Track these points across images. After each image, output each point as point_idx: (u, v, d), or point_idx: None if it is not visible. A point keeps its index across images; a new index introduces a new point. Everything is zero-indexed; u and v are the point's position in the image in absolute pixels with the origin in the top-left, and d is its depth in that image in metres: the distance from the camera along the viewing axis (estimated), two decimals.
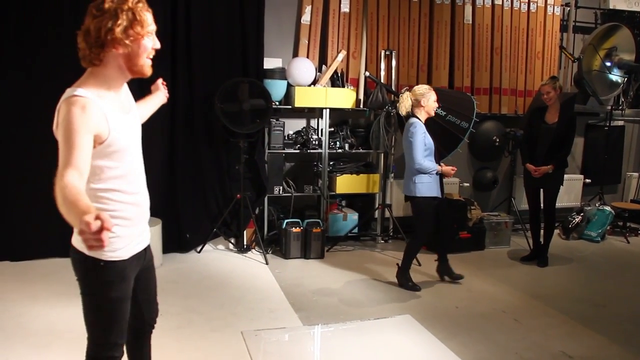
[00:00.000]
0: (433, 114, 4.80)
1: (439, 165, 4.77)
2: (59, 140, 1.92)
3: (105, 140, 2.00)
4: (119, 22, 1.92)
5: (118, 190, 2.11)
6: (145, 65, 2.07)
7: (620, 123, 7.78)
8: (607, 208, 6.91)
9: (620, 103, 7.59)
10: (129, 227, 2.18)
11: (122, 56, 2.00)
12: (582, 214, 6.90)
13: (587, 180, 7.46)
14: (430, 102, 4.71)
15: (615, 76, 6.99)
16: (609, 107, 7.33)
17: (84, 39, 1.97)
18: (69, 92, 1.96)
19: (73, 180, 1.84)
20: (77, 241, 2.12)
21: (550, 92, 5.38)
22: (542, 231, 5.77)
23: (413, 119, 4.72)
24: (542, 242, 5.78)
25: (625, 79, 7.10)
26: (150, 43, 2.06)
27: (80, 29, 1.99)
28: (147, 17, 2.01)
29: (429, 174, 4.69)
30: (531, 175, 5.53)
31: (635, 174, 7.97)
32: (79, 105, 1.90)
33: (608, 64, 6.92)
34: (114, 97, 2.08)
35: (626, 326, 4.29)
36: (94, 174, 2.02)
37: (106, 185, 2.07)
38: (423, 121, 4.72)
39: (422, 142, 4.64)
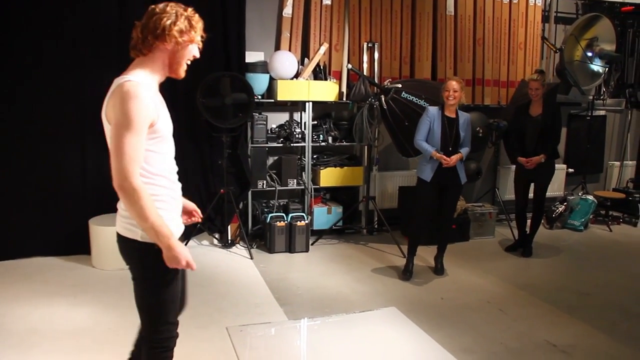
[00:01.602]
0: (447, 103, 4.88)
1: (440, 153, 4.83)
2: (114, 124, 2.05)
3: (154, 126, 2.15)
4: (178, 23, 2.14)
5: (162, 176, 2.24)
6: (183, 68, 2.28)
7: (602, 113, 7.83)
8: (590, 197, 6.96)
9: (602, 93, 7.64)
10: (172, 210, 2.31)
11: (169, 53, 2.19)
12: (565, 204, 6.94)
13: (570, 170, 7.51)
14: (444, 92, 4.87)
15: (597, 66, 7.02)
16: (591, 97, 7.37)
17: (141, 30, 2.15)
18: (121, 79, 2.09)
19: (142, 183, 2.06)
20: (127, 230, 2.21)
21: (538, 89, 5.39)
22: (528, 221, 5.80)
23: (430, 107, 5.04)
24: (527, 232, 5.81)
25: (606, 69, 7.14)
26: (194, 51, 2.27)
27: (136, 24, 2.18)
28: (199, 27, 2.24)
29: (425, 156, 4.92)
30: (524, 168, 5.54)
31: (617, 163, 8.04)
32: (136, 89, 2.03)
33: (589, 54, 6.95)
34: (155, 89, 2.23)
35: (609, 314, 4.32)
36: (144, 159, 2.14)
37: (154, 170, 2.19)
38: (445, 111, 4.90)
39: (425, 124, 4.89)
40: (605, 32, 6.96)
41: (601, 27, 6.92)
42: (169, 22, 2.13)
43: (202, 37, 2.26)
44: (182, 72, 2.28)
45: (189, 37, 2.20)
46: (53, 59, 5.02)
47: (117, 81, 2.10)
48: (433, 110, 4.92)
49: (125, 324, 3.86)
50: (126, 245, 2.25)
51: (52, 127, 5.09)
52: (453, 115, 4.90)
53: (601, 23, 6.90)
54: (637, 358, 3.61)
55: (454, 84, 4.81)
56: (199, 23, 2.23)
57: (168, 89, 5.32)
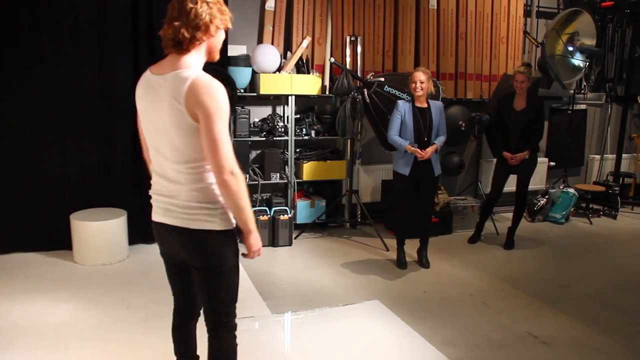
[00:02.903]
0: (415, 95, 4.90)
1: (414, 146, 4.84)
2: (206, 118, 2.06)
3: None
4: (214, 11, 2.17)
5: None
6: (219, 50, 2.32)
7: (583, 107, 7.90)
8: (571, 190, 7.03)
9: (583, 87, 7.70)
10: None
11: (211, 43, 2.24)
12: (547, 197, 7.00)
13: (552, 163, 7.57)
14: (410, 84, 4.89)
15: (578, 61, 7.08)
16: (572, 91, 7.43)
17: (184, 25, 2.14)
18: (187, 73, 2.09)
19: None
20: (203, 222, 2.23)
21: (524, 82, 5.42)
22: (512, 214, 5.87)
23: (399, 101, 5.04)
24: (510, 225, 5.86)
25: (587, 63, 7.20)
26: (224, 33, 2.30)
27: (169, 19, 2.18)
28: (227, 10, 2.25)
29: (399, 151, 4.93)
30: (506, 162, 5.56)
31: (597, 157, 8.12)
32: (214, 82, 2.09)
33: (570, 48, 7.00)
34: None
35: (590, 305, 4.37)
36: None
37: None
38: (416, 102, 4.91)
39: (396, 119, 4.89)
40: (586, 27, 7.01)
41: (582, 22, 6.97)
42: (208, 16, 2.16)
43: (230, 18, 2.29)
44: (218, 55, 2.32)
45: (225, 24, 2.25)
46: (32, 53, 4.94)
47: (184, 76, 2.09)
48: (403, 103, 4.93)
49: (107, 320, 3.84)
50: (201, 237, 2.24)
51: (32, 121, 5.01)
52: (424, 105, 4.92)
53: (582, 18, 6.95)
54: (616, 348, 3.65)
55: (420, 75, 4.83)
56: (226, 7, 2.27)
57: None
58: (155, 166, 2.32)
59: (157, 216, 2.36)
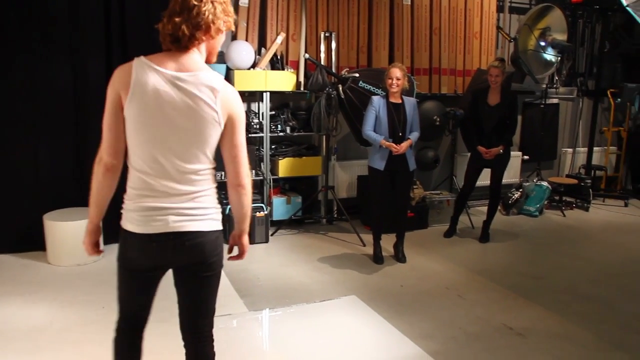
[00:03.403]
0: (390, 91, 4.92)
1: (389, 141, 4.86)
2: (239, 125, 2.14)
3: None
4: (217, 12, 2.07)
5: None
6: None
7: (555, 101, 8.00)
8: (544, 183, 7.12)
9: (555, 81, 7.81)
10: None
11: (210, 44, 2.16)
12: (521, 190, 7.08)
13: (526, 157, 7.66)
14: (386, 80, 4.90)
15: (549, 55, 7.17)
16: (544, 86, 7.53)
17: (185, 22, 2.03)
18: (213, 76, 2.07)
19: None
20: (216, 222, 2.22)
21: (498, 76, 5.46)
22: (487, 208, 5.93)
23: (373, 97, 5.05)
24: (485, 219, 5.91)
25: (559, 58, 7.30)
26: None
27: (170, 14, 2.06)
28: (232, 11, 2.17)
29: (374, 146, 4.97)
30: (480, 156, 5.61)
31: (570, 150, 8.24)
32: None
33: (542, 43, 7.09)
34: None
35: (563, 296, 4.44)
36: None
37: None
38: (390, 98, 4.92)
39: (371, 115, 4.92)
40: (557, 23, 7.11)
41: (553, 18, 7.06)
42: (211, 16, 2.07)
43: (235, 20, 2.22)
44: (215, 58, 2.27)
45: (228, 26, 2.17)
46: (3, 50, 4.84)
47: (213, 79, 2.07)
48: (377, 99, 4.95)
49: (82, 321, 3.79)
50: (216, 239, 2.23)
51: (3, 118, 4.93)
52: (398, 101, 4.94)
53: (553, 13, 7.04)
54: (587, 337, 3.72)
55: (396, 72, 4.85)
56: (231, 7, 2.19)
57: None
58: (150, 173, 2.09)
59: (152, 228, 2.13)
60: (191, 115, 2.04)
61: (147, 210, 2.11)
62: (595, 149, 8.05)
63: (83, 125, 5.18)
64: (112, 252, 5.27)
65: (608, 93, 7.91)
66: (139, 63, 2.04)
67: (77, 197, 5.24)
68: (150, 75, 2.02)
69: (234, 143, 2.13)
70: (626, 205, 7.55)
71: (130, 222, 2.16)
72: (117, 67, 2.13)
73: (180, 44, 2.07)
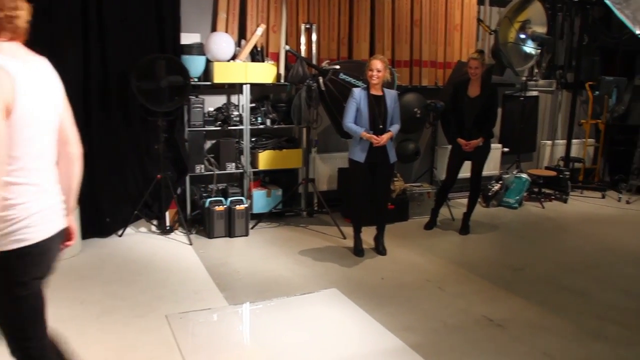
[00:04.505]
0: (371, 83, 4.89)
1: (370, 133, 4.84)
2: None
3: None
4: None
5: None
6: None
7: (535, 93, 8.05)
8: (524, 175, 7.17)
9: (534, 74, 7.85)
10: None
11: None
12: (501, 182, 7.12)
13: (505, 149, 7.70)
14: (367, 71, 4.87)
15: (529, 48, 7.20)
16: (524, 78, 7.56)
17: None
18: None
19: None
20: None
21: (478, 68, 5.47)
22: (467, 200, 5.96)
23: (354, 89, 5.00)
24: (465, 211, 5.94)
25: (538, 50, 7.33)
26: None
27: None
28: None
29: (355, 138, 4.95)
30: (461, 148, 5.62)
31: (549, 142, 8.30)
32: None
33: (522, 36, 7.12)
34: None
35: (542, 287, 4.48)
36: None
37: None
38: (371, 90, 4.89)
39: (352, 107, 4.88)
40: (537, 15, 7.13)
41: (533, 10, 7.08)
42: None
43: None
44: None
45: None
46: None
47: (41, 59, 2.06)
48: (358, 91, 4.92)
49: (59, 317, 3.66)
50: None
51: None
52: (379, 93, 4.92)
53: (533, 6, 7.06)
54: (566, 327, 3.75)
55: (377, 64, 4.83)
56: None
57: (100, 71, 5.18)
58: (37, 173, 2.02)
59: (50, 230, 2.09)
60: (56, 103, 2.15)
61: (43, 216, 2.08)
62: (573, 141, 8.11)
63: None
64: (89, 246, 5.24)
65: (586, 86, 7.97)
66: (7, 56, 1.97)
67: None
68: (24, 69, 1.97)
69: (69, 116, 2.22)
70: (603, 196, 7.63)
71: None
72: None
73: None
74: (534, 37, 7.13)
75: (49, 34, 4.90)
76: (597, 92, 7.91)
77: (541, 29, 7.16)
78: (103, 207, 5.39)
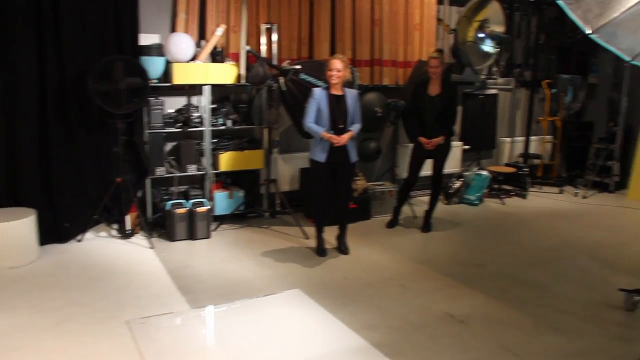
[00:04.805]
0: (331, 83, 4.90)
1: (330, 133, 4.85)
2: None
3: None
4: None
5: None
6: None
7: (494, 91, 8.17)
8: (484, 172, 7.28)
9: (493, 72, 7.97)
10: None
11: None
12: (461, 179, 7.22)
13: (466, 147, 7.80)
14: (327, 71, 4.89)
15: (488, 47, 7.30)
16: (483, 77, 7.67)
17: None
18: None
19: None
20: None
21: (437, 67, 5.52)
22: (429, 197, 6.01)
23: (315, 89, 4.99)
24: (427, 209, 6.00)
25: (497, 49, 7.44)
26: None
27: None
28: None
29: (316, 138, 4.95)
30: (422, 147, 5.66)
31: (508, 139, 8.44)
32: None
33: (481, 35, 7.21)
34: None
35: (502, 282, 4.55)
36: None
37: None
38: (331, 89, 4.90)
39: (312, 107, 4.87)
40: (495, 15, 7.23)
41: (491, 10, 7.18)
42: None
43: None
44: None
45: None
46: None
47: None
48: (318, 91, 4.91)
49: (15, 327, 3.65)
50: None
51: None
52: (340, 93, 4.94)
53: (491, 6, 7.15)
54: (525, 321, 3.82)
55: (337, 63, 4.84)
56: None
57: (56, 73, 5.07)
58: None
59: None
60: None
61: None
62: (532, 138, 8.27)
63: (14, 120, 4.97)
64: (47, 252, 5.13)
65: (543, 84, 8.13)
66: None
67: (9, 197, 5.05)
68: None
69: None
70: (561, 192, 7.80)
71: None
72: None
73: None
74: (492, 36, 7.23)
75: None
76: (554, 90, 8.07)
77: (499, 28, 7.27)
78: (61, 212, 5.28)
